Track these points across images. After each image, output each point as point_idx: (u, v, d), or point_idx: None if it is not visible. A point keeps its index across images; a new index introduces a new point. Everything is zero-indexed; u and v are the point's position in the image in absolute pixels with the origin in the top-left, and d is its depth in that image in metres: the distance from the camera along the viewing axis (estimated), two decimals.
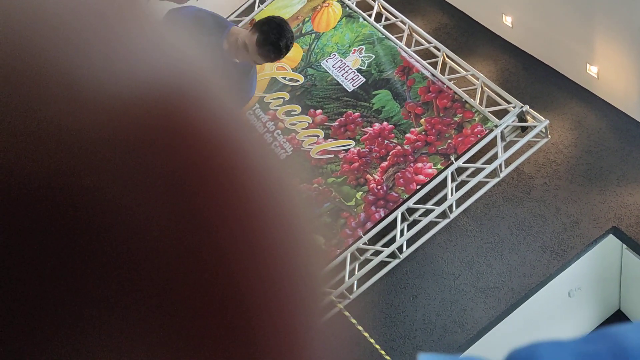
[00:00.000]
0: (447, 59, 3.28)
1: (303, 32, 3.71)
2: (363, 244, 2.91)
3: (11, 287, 0.10)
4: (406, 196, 2.96)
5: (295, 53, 3.67)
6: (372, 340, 2.75)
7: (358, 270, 2.90)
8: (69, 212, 0.10)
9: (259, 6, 3.88)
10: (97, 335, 0.11)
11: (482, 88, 3.09)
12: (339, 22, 3.64)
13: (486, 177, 2.86)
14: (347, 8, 3.64)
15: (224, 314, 0.12)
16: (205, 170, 0.12)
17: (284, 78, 3.59)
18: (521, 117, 2.94)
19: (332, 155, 3.21)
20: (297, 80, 3.55)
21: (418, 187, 2.95)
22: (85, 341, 0.11)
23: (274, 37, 2.03)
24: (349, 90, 3.39)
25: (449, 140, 3.02)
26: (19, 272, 0.10)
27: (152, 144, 0.11)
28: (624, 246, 3.00)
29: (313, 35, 3.67)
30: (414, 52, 3.34)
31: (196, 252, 0.12)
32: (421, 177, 2.99)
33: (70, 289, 0.11)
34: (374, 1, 3.61)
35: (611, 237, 2.90)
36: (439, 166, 2.98)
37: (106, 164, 0.11)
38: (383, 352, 2.78)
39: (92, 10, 0.11)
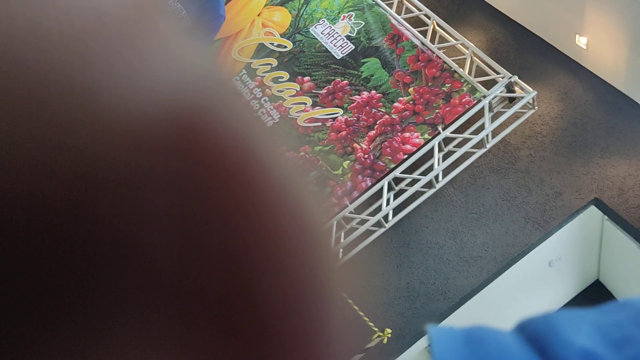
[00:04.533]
0: (437, 27, 3.24)
1: None
2: (349, 213, 2.92)
3: (18, 289, 0.10)
4: (393, 165, 2.96)
5: (284, 18, 3.59)
6: (356, 307, 2.80)
7: (344, 239, 2.92)
8: (87, 217, 0.11)
9: None
10: (109, 335, 0.11)
11: (471, 58, 3.07)
12: None
13: (473, 147, 2.87)
14: None
15: (234, 310, 0.13)
16: (215, 172, 0.12)
17: (272, 44, 3.53)
18: (509, 87, 2.94)
19: (320, 124, 3.19)
20: (285, 47, 3.50)
21: (405, 156, 2.96)
22: (97, 341, 0.11)
23: None
24: (338, 58, 3.34)
25: (437, 110, 3.01)
26: (30, 272, 0.10)
27: (164, 150, 0.12)
28: (605, 217, 3.06)
29: (302, 0, 3.60)
30: (404, 19, 3.29)
31: (205, 245, 0.12)
32: (408, 146, 2.99)
33: (82, 288, 0.11)
34: None
35: (593, 208, 2.95)
36: (426, 136, 2.98)
37: (123, 174, 0.11)
38: (367, 319, 2.83)
39: (114, 26, 0.12)
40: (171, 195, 0.12)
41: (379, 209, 2.91)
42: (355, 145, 3.08)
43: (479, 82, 2.97)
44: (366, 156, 3.03)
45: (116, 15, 0.12)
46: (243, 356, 0.13)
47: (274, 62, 3.46)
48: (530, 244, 2.91)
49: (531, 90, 2.88)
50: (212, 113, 0.13)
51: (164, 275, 0.12)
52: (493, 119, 2.91)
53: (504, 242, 2.93)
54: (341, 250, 2.91)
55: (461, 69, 3.03)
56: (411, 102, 3.08)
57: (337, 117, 3.18)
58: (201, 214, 0.12)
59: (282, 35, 3.54)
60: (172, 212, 0.12)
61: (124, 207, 0.11)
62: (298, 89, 3.31)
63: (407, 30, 3.24)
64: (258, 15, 3.67)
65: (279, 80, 3.38)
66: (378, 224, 2.93)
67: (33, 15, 0.11)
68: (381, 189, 2.92)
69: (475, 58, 3.08)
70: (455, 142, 2.96)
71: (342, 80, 3.27)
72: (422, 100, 3.06)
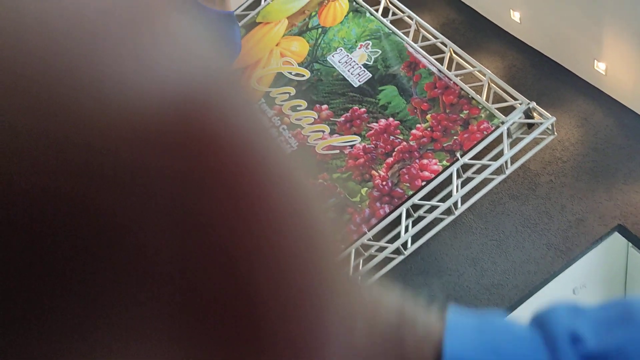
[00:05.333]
0: (454, 54, 3.26)
1: (309, 26, 3.70)
2: (367, 240, 2.91)
3: (20, 287, 0.10)
4: (411, 192, 2.95)
5: (302, 48, 3.66)
6: None
7: (362, 266, 2.90)
8: (88, 208, 0.10)
9: (265, 0, 3.87)
10: (106, 328, 0.11)
11: (488, 84, 3.08)
12: (345, 16, 3.62)
13: (492, 174, 2.85)
14: (354, 3, 3.62)
15: (238, 311, 0.13)
16: (222, 172, 0.12)
17: (290, 73, 3.59)
18: (528, 113, 2.93)
19: (338, 151, 3.21)
20: (303, 75, 3.55)
21: (423, 183, 2.95)
22: (93, 334, 0.11)
23: None
24: (355, 86, 3.38)
25: (455, 137, 3.01)
26: (31, 271, 0.10)
27: (170, 146, 0.12)
28: (630, 244, 2.99)
29: (319, 29, 3.66)
30: (421, 47, 3.33)
31: (210, 249, 0.12)
32: (426, 173, 2.98)
33: (85, 286, 0.11)
34: None
35: (617, 235, 2.89)
36: (444, 162, 2.97)
37: (126, 168, 0.11)
38: None
39: (120, 18, 0.12)
40: (173, 190, 0.11)
41: (398, 236, 2.89)
42: (374, 172, 3.08)
43: (497, 108, 2.97)
44: (384, 183, 3.03)
45: (123, 6, 0.12)
46: (237, 353, 0.13)
47: (292, 91, 3.51)
48: (553, 271, 2.86)
49: (550, 116, 2.86)
50: (219, 109, 0.13)
51: (162, 268, 0.11)
52: (512, 145, 2.90)
53: (525, 269, 2.88)
54: (360, 277, 2.88)
55: (479, 96, 3.03)
56: (429, 129, 3.08)
57: (355, 144, 3.20)
58: (202, 211, 0.12)
59: (300, 65, 3.60)
60: (174, 208, 0.11)
61: (125, 201, 0.11)
62: (316, 117, 3.35)
63: (424, 57, 3.27)
64: (276, 45, 3.74)
65: (297, 108, 3.42)
66: (397, 251, 2.91)
67: (39, 7, 0.11)
68: (399, 216, 2.91)
69: (492, 85, 3.08)
70: (473, 169, 2.95)
71: (359, 108, 3.30)
72: (439, 127, 3.06)
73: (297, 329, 0.14)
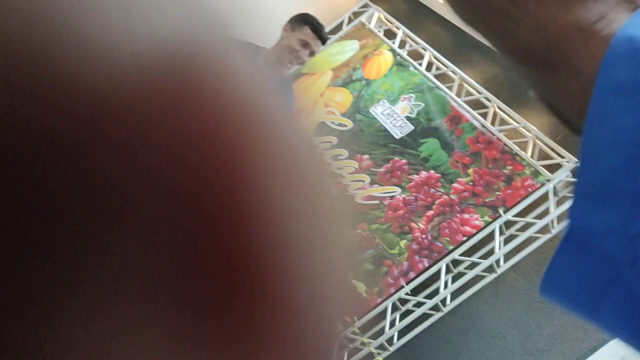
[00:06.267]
0: (497, 110, 3.24)
1: (353, 78, 3.78)
2: (405, 294, 2.84)
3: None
4: (451, 247, 2.88)
5: (345, 99, 3.72)
6: None
7: (399, 321, 2.81)
8: (79, 172, 0.10)
9: None
10: (101, 297, 0.10)
11: (534, 141, 3.03)
12: (389, 70, 3.68)
13: (537, 232, 2.76)
14: (399, 57, 3.69)
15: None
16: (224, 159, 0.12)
17: (333, 122, 3.64)
18: (575, 172, 2.85)
19: (377, 202, 3.19)
20: (346, 125, 3.59)
21: (464, 238, 2.88)
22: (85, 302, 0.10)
23: (303, 16, 2.33)
24: (397, 137, 3.39)
25: (498, 192, 2.95)
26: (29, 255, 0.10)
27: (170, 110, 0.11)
28: None
29: (363, 82, 3.73)
30: (464, 102, 3.33)
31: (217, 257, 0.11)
32: (468, 228, 2.91)
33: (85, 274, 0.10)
34: (425, 50, 3.65)
35: None
36: (486, 218, 2.90)
37: (116, 129, 0.10)
38: None
39: None
40: (166, 154, 0.11)
41: (437, 291, 2.81)
42: (413, 224, 3.04)
43: (542, 165, 2.91)
44: (424, 236, 2.97)
45: None
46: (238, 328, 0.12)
47: (334, 140, 3.55)
48: (602, 338, 2.69)
49: None
50: (214, 69, 0.12)
51: (158, 237, 0.11)
52: (558, 203, 2.81)
53: (573, 335, 2.73)
54: (396, 333, 2.79)
55: (523, 152, 2.98)
56: (471, 183, 3.04)
57: (394, 195, 3.18)
58: (196, 175, 0.11)
59: (343, 115, 3.65)
60: (167, 171, 0.11)
61: (115, 162, 0.10)
62: (357, 167, 3.36)
63: (467, 112, 3.26)
64: (320, 95, 3.83)
65: (339, 157, 3.45)
66: (435, 308, 2.81)
67: None
68: (439, 271, 2.84)
69: (538, 141, 3.03)
70: (517, 226, 2.87)
71: (400, 160, 3.29)
72: (482, 181, 3.01)
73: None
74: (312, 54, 2.52)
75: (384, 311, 2.79)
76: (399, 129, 3.42)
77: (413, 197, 3.13)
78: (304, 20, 2.46)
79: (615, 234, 0.30)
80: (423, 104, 3.44)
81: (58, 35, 0.10)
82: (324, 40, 2.51)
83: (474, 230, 2.88)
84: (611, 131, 0.29)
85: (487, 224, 2.87)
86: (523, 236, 2.74)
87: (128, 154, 0.10)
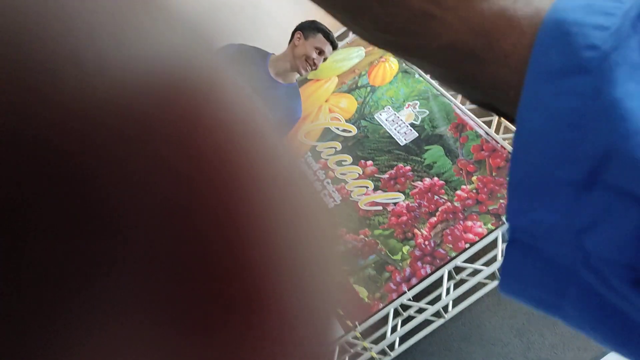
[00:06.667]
0: (502, 118, 3.24)
1: (359, 85, 3.79)
2: (407, 300, 2.84)
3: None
4: (454, 254, 2.89)
5: (350, 105, 3.74)
6: None
7: (401, 327, 2.81)
8: (69, 193, 0.10)
9: None
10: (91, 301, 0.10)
11: None
12: (394, 77, 3.70)
13: None
14: (404, 64, 3.70)
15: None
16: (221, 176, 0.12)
17: (337, 128, 3.66)
18: None
19: (381, 208, 3.19)
20: (350, 131, 3.61)
21: (467, 245, 2.88)
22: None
23: (314, 23, 2.38)
24: (401, 144, 3.40)
25: (501, 200, 2.95)
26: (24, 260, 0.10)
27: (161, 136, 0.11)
28: None
29: (368, 88, 3.75)
30: (469, 110, 3.34)
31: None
32: (470, 235, 2.91)
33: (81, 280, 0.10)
34: None
35: None
36: (489, 226, 2.90)
37: (107, 148, 0.11)
38: None
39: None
40: (158, 173, 0.11)
41: (439, 298, 2.81)
42: (416, 231, 3.04)
43: None
44: (427, 243, 2.98)
45: None
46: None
47: (339, 146, 3.56)
48: (604, 349, 2.68)
49: None
50: (207, 89, 0.12)
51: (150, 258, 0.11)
52: None
53: (575, 345, 2.72)
54: (397, 339, 2.79)
55: None
56: (474, 190, 3.04)
57: (398, 202, 3.18)
58: (190, 186, 0.11)
59: (348, 121, 3.67)
60: (158, 189, 0.11)
61: (105, 180, 0.10)
62: (361, 173, 3.37)
63: (472, 120, 3.27)
64: (325, 101, 3.85)
65: (343, 163, 3.46)
66: (437, 314, 2.81)
67: None
68: (441, 278, 2.84)
69: None
70: None
71: (404, 166, 3.30)
72: (485, 189, 3.02)
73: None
74: (324, 59, 2.59)
75: (386, 317, 2.79)
76: (404, 135, 3.43)
77: (416, 204, 3.14)
78: (316, 28, 2.51)
79: (558, 231, 0.29)
80: (428, 111, 3.45)
81: (51, 57, 0.10)
82: (335, 46, 2.57)
83: (477, 238, 2.88)
84: (545, 116, 0.27)
85: (490, 231, 2.87)
86: None
87: (124, 167, 0.11)
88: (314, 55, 2.53)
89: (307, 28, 2.53)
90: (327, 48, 2.57)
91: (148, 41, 0.12)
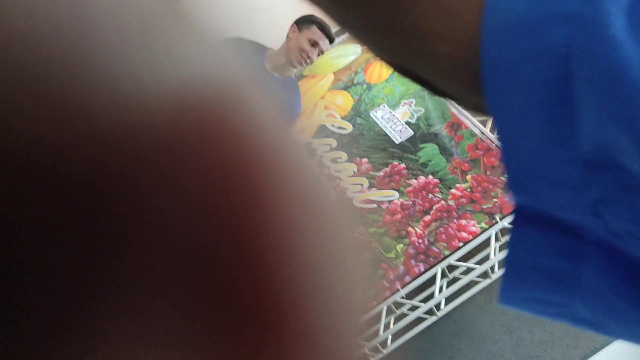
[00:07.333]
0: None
1: (355, 82, 3.80)
2: (400, 298, 2.86)
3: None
4: (448, 252, 2.91)
5: (346, 102, 3.75)
6: None
7: (393, 324, 2.84)
8: (83, 217, 0.10)
9: None
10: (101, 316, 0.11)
11: None
12: (390, 75, 3.71)
13: None
14: None
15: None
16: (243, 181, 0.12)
17: (333, 125, 3.67)
18: None
19: (375, 205, 3.21)
20: (345, 129, 3.62)
21: (460, 244, 2.91)
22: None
23: (309, 17, 2.36)
24: (396, 142, 3.42)
25: (495, 199, 2.98)
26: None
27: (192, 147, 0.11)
28: None
29: (364, 86, 3.76)
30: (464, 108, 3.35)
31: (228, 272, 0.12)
32: (464, 234, 2.94)
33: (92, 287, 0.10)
34: None
35: None
36: (483, 225, 2.93)
37: (141, 162, 0.11)
38: None
39: (133, 13, 0.12)
40: (172, 199, 0.11)
41: (431, 296, 2.84)
42: (410, 229, 3.07)
43: None
44: (420, 241, 3.00)
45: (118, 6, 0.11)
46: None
47: (334, 143, 3.57)
48: (593, 346, 2.72)
49: None
50: (225, 114, 0.12)
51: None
52: None
53: (564, 342, 2.76)
54: (390, 336, 2.82)
55: None
56: (469, 189, 3.07)
57: (392, 199, 3.20)
58: (204, 220, 0.11)
59: (343, 118, 3.68)
60: (174, 217, 0.11)
61: (121, 207, 0.10)
62: (355, 170, 3.38)
63: (467, 119, 3.29)
64: (321, 97, 3.85)
65: (338, 160, 3.47)
66: (430, 312, 2.84)
67: (28, 9, 0.10)
68: (434, 276, 2.86)
69: None
70: None
71: (399, 164, 3.32)
72: (479, 188, 3.04)
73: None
74: (320, 52, 2.56)
75: (379, 314, 2.82)
76: (399, 133, 3.44)
77: (411, 202, 3.16)
78: (310, 21, 2.49)
79: (572, 204, 0.25)
80: (423, 110, 3.47)
81: (82, 80, 0.10)
82: (332, 39, 2.55)
83: (471, 237, 2.91)
84: (525, 90, 0.22)
85: (484, 230, 2.90)
86: None
87: (160, 175, 0.11)
88: (308, 47, 2.50)
89: (302, 21, 2.52)
90: (323, 41, 2.54)
91: (179, 59, 0.12)
